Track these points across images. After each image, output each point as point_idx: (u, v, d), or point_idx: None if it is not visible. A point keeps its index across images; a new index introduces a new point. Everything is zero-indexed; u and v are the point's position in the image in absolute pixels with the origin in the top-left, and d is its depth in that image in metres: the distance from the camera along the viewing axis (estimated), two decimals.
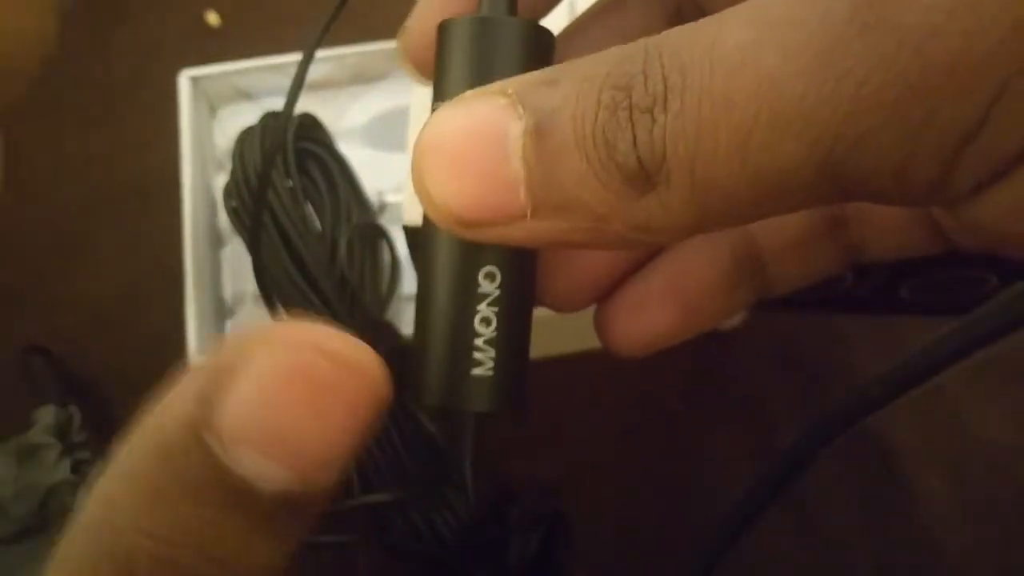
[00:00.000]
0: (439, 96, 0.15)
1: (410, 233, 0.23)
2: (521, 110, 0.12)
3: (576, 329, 0.36)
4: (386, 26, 0.39)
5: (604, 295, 0.18)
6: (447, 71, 0.14)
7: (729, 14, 0.11)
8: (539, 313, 0.33)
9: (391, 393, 0.11)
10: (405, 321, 0.32)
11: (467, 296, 0.14)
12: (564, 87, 0.12)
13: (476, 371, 0.14)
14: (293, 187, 0.29)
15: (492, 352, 0.14)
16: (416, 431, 0.27)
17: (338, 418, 0.11)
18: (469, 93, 0.12)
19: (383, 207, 0.36)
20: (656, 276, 0.17)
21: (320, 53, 0.38)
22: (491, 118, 0.12)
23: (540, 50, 0.15)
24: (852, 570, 0.34)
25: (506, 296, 0.14)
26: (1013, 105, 0.10)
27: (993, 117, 0.10)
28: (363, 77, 0.39)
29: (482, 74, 0.14)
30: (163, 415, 0.11)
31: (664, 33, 0.11)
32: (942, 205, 0.12)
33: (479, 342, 0.14)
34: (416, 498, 0.26)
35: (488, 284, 0.14)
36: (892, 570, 0.34)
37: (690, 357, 0.37)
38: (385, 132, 0.39)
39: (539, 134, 0.12)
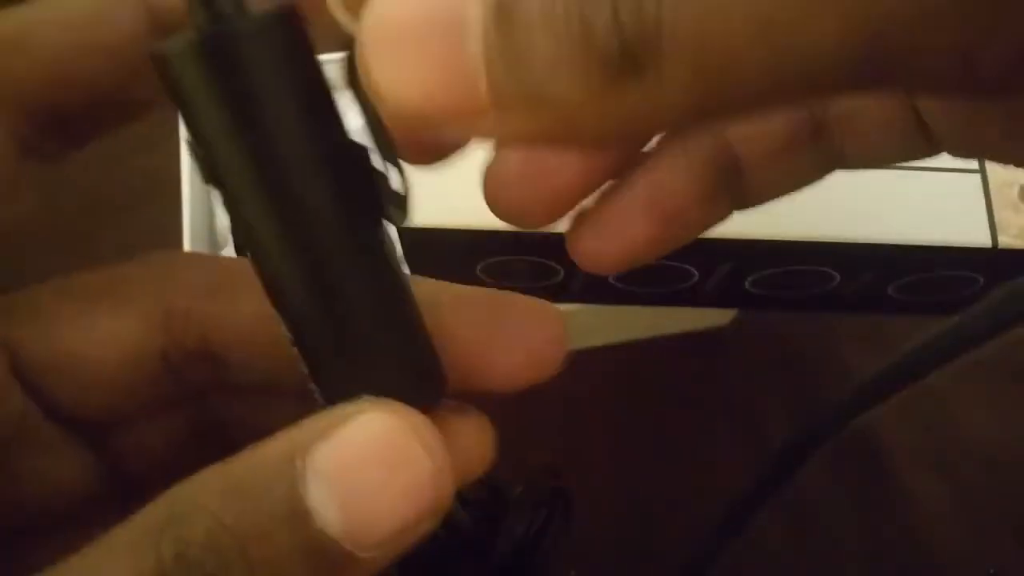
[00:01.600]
0: (198, 141, 0.11)
1: (405, 233, 0.23)
2: None
3: (570, 329, 0.36)
4: None
5: (573, 207, 0.16)
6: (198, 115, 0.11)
7: None
8: None
9: (452, 499, 0.12)
10: None
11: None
12: None
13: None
14: None
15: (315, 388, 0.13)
16: None
17: (407, 496, 0.11)
18: None
19: None
20: (631, 187, 0.16)
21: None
22: None
23: (300, 43, 0.12)
24: (843, 568, 0.35)
25: (295, 325, 0.12)
26: None
27: None
28: None
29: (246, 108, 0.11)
30: (252, 452, 0.11)
31: None
32: (1012, 97, 0.10)
33: (311, 384, 0.13)
34: None
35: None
36: (883, 568, 0.34)
37: (683, 356, 0.38)
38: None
39: (502, 13, 0.10)
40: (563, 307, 0.32)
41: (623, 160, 0.16)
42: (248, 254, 0.12)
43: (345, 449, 0.11)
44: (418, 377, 0.13)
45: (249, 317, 0.15)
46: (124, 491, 0.16)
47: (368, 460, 0.11)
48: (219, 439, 0.17)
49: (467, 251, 0.24)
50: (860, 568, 0.34)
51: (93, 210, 0.41)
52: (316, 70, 0.12)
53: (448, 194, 0.23)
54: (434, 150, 0.15)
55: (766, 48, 0.09)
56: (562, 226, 0.23)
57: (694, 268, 0.24)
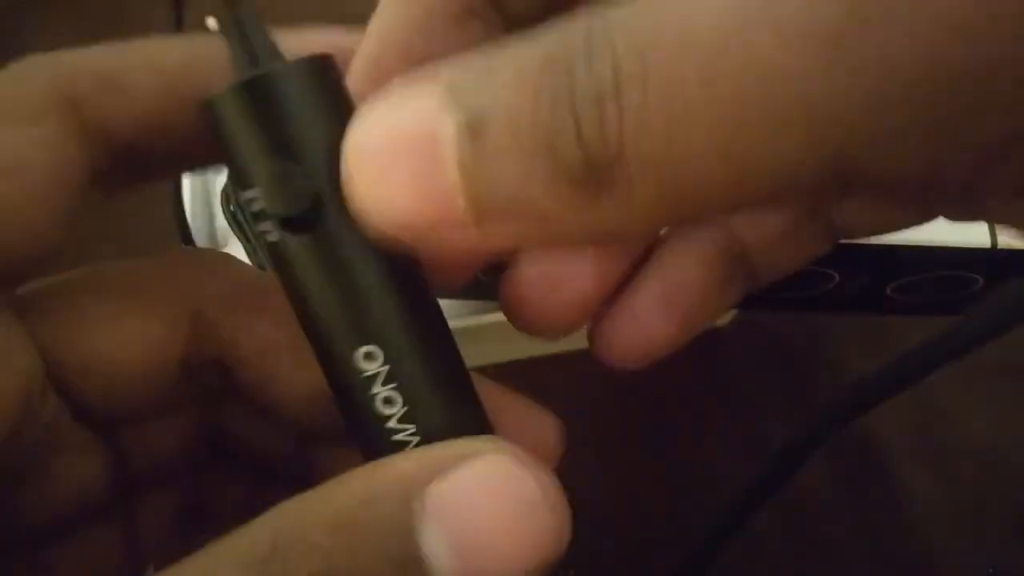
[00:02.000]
0: (241, 183, 0.12)
1: None
2: (453, 105, 0.10)
3: None
4: None
5: (592, 312, 0.17)
6: (241, 151, 0.12)
7: None
8: None
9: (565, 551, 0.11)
10: None
11: (356, 387, 0.13)
12: (496, 79, 0.10)
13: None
14: None
15: (412, 427, 0.13)
16: None
17: (529, 548, 0.11)
18: (397, 83, 0.11)
19: None
20: (646, 286, 0.16)
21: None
22: (421, 115, 0.10)
23: (334, 88, 0.13)
24: (842, 568, 0.35)
25: (399, 364, 0.13)
26: None
27: None
28: None
29: (284, 144, 0.12)
30: (365, 482, 0.11)
31: (607, 10, 0.10)
32: (971, 208, 0.11)
33: (392, 424, 0.13)
34: None
35: (371, 364, 0.12)
36: (882, 568, 0.34)
37: (680, 356, 0.38)
38: None
39: (473, 133, 0.10)
40: None
41: (636, 257, 0.17)
42: (293, 305, 0.13)
43: (464, 493, 0.11)
44: (476, 426, 0.13)
45: (266, 339, 0.15)
46: (126, 488, 0.16)
47: (489, 508, 0.11)
48: (223, 442, 0.17)
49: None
50: (859, 568, 0.34)
51: (93, 210, 0.41)
52: (350, 109, 0.12)
53: None
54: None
55: (728, 168, 0.09)
56: None
57: None
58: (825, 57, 0.09)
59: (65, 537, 0.15)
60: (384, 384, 0.12)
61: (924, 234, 0.22)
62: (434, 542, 0.10)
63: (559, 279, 0.16)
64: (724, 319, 0.38)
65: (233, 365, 0.15)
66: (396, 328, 0.13)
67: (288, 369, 0.15)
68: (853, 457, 0.36)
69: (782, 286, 0.25)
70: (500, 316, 0.36)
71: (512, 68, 0.10)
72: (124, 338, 0.14)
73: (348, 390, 0.13)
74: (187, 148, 0.14)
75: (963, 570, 0.34)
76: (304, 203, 0.12)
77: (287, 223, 0.12)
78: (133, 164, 0.14)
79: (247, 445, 0.17)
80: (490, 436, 0.12)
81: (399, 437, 0.13)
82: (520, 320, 0.16)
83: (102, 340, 0.14)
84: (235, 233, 0.30)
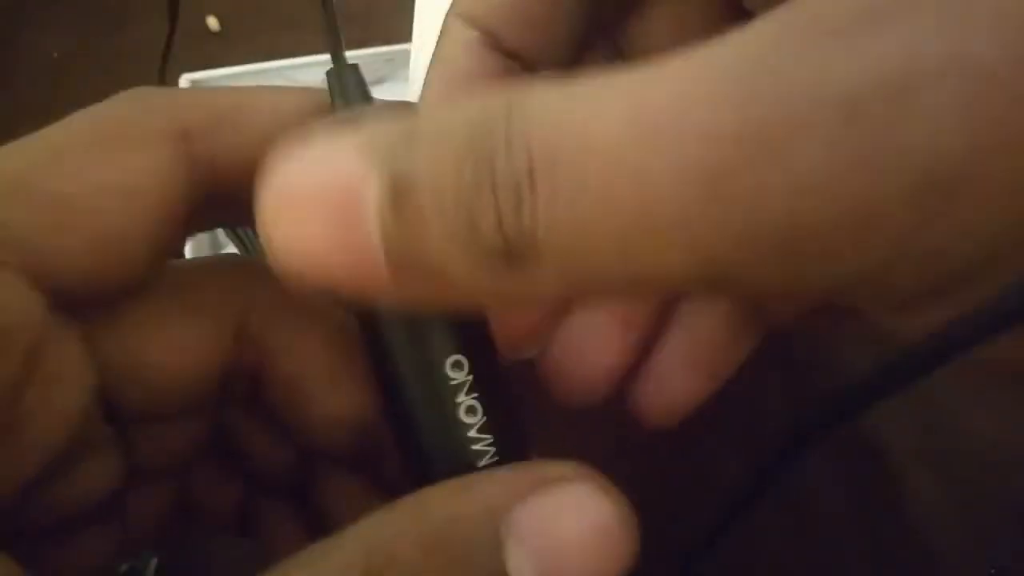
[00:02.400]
0: None
1: None
2: (379, 165, 0.10)
3: None
4: (383, 32, 0.40)
5: (624, 373, 0.17)
6: None
7: (605, 94, 0.10)
8: None
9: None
10: None
11: (443, 394, 0.13)
12: (421, 146, 0.10)
13: (482, 462, 0.13)
14: None
15: (490, 438, 0.13)
16: None
17: (602, 567, 0.11)
18: (319, 132, 0.11)
19: None
20: (672, 349, 0.17)
21: (322, 57, 0.38)
22: (343, 172, 0.10)
23: None
24: (843, 568, 0.35)
25: (481, 374, 0.13)
26: (908, 266, 0.10)
27: (897, 267, 0.10)
28: None
29: None
30: (452, 502, 0.12)
31: (527, 97, 0.10)
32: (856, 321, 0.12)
33: (472, 433, 0.13)
34: None
35: (458, 373, 0.13)
36: (883, 568, 0.34)
37: None
38: None
39: (397, 196, 0.10)
40: None
41: (659, 319, 0.17)
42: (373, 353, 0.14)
43: (550, 518, 0.11)
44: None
45: (308, 359, 0.15)
46: (129, 484, 0.16)
47: (572, 531, 0.11)
48: (224, 443, 0.17)
49: None
50: (860, 568, 0.34)
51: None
52: None
53: None
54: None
55: (624, 266, 0.10)
56: None
57: None
58: (704, 187, 0.09)
59: (67, 532, 0.15)
60: (468, 393, 0.13)
61: None
62: (520, 562, 0.11)
63: (587, 351, 0.17)
64: None
65: (268, 379, 0.15)
66: (482, 341, 0.14)
67: (323, 392, 0.15)
68: (855, 457, 0.36)
69: None
70: None
71: (435, 137, 0.10)
72: (172, 344, 0.14)
73: (429, 400, 0.13)
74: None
75: (965, 571, 0.34)
76: None
77: None
78: (232, 206, 0.14)
79: (249, 449, 0.17)
80: (570, 462, 0.12)
81: (478, 447, 0.13)
82: (559, 392, 0.17)
83: (151, 345, 0.14)
84: (229, 238, 0.30)
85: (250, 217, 0.15)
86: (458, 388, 0.13)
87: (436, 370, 0.13)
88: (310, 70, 0.38)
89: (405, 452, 0.14)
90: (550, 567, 0.11)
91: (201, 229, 0.16)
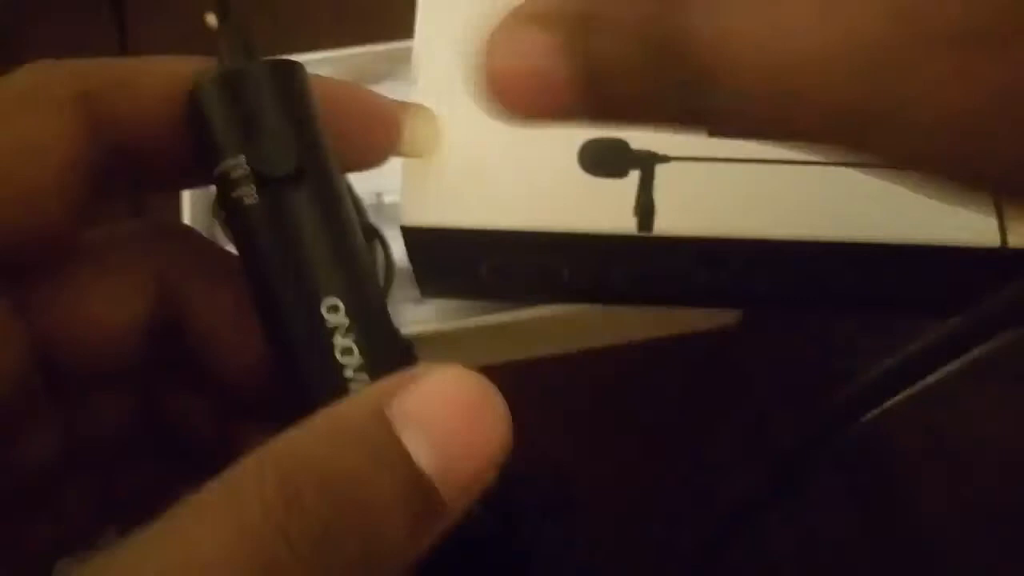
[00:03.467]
0: (224, 154, 0.14)
1: (408, 233, 0.23)
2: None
3: (571, 329, 0.36)
4: (386, 28, 0.40)
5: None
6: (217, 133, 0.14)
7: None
8: (538, 313, 0.33)
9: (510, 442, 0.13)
10: (400, 323, 0.32)
11: (320, 336, 0.14)
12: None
13: None
14: None
15: (367, 377, 0.14)
16: None
17: (487, 440, 0.12)
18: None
19: (380, 207, 0.36)
20: None
21: (323, 55, 0.38)
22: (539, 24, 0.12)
23: (297, 89, 0.15)
24: (845, 569, 0.34)
25: (357, 318, 0.14)
26: None
27: None
28: (364, 78, 0.39)
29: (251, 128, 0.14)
30: (340, 408, 0.12)
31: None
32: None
33: (349, 373, 0.14)
34: None
35: (334, 316, 0.14)
36: (886, 569, 0.34)
37: (685, 356, 0.38)
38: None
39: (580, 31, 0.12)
40: (565, 308, 0.32)
41: None
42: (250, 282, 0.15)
43: (432, 397, 0.12)
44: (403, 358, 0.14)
45: (220, 304, 0.16)
46: (64, 468, 0.16)
47: (454, 406, 0.12)
48: (160, 426, 0.17)
49: (470, 251, 0.24)
50: (862, 568, 0.34)
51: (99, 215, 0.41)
52: (311, 106, 0.15)
53: (451, 194, 0.22)
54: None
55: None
56: (563, 225, 0.23)
57: (702, 267, 0.24)
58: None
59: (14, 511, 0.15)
60: (344, 335, 0.14)
61: (935, 233, 0.22)
62: (414, 441, 0.12)
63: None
64: (728, 319, 0.38)
65: (187, 328, 0.16)
66: (359, 284, 0.14)
67: (236, 335, 0.16)
68: (858, 458, 0.36)
69: (795, 284, 0.25)
70: (500, 316, 0.36)
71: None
72: (100, 300, 0.15)
73: (307, 342, 0.14)
74: (187, 158, 0.15)
75: (965, 570, 0.34)
76: (288, 166, 0.14)
77: (270, 182, 0.14)
78: (138, 167, 0.15)
79: (174, 422, 0.17)
80: (428, 365, 0.13)
81: (355, 387, 0.14)
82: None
83: (81, 302, 0.15)
84: (226, 235, 0.30)
85: (156, 178, 0.16)
86: (334, 330, 0.14)
87: (312, 314, 0.14)
88: (311, 67, 0.38)
89: (287, 393, 0.14)
90: (439, 437, 0.12)
91: (117, 192, 0.16)
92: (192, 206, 0.35)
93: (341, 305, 0.14)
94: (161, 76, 0.15)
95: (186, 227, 0.18)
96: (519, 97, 0.12)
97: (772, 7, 0.11)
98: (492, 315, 0.33)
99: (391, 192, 0.37)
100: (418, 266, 0.25)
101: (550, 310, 0.33)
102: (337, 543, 0.11)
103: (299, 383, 0.14)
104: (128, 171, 0.15)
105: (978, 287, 0.24)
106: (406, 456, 0.11)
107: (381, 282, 0.32)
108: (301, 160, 0.14)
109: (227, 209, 0.14)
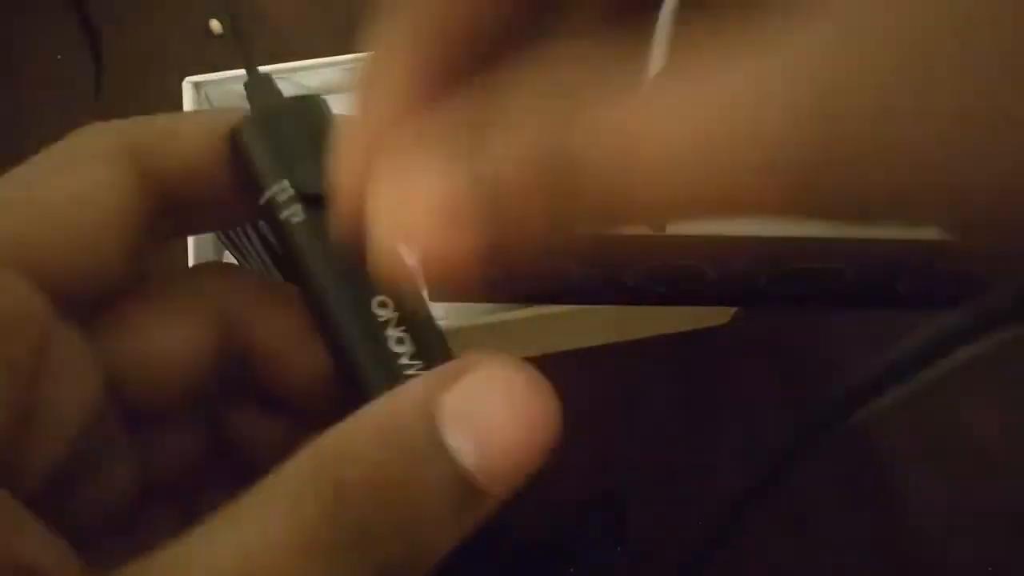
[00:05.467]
0: (268, 183, 0.16)
1: None
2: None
3: (570, 329, 0.36)
4: None
5: None
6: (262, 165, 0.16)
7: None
8: (538, 312, 0.33)
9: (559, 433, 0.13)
10: None
11: (374, 330, 0.15)
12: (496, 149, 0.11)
13: None
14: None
15: (420, 363, 0.15)
16: None
17: (531, 433, 0.12)
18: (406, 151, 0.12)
19: None
20: None
21: (321, 61, 0.38)
22: (438, 179, 0.11)
23: (320, 118, 0.16)
24: (842, 568, 0.35)
25: (405, 312, 0.16)
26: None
27: None
28: None
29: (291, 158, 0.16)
30: (388, 403, 0.13)
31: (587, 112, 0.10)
32: None
33: (404, 360, 0.15)
34: None
35: (384, 311, 0.15)
36: (882, 568, 0.34)
37: (683, 355, 0.38)
38: None
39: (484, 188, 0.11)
40: (564, 308, 0.33)
41: None
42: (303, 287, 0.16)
43: (479, 391, 0.12)
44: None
45: (282, 327, 0.17)
46: (148, 501, 0.17)
47: (500, 400, 0.12)
48: (231, 452, 0.18)
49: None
50: (859, 568, 0.35)
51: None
52: (332, 130, 0.16)
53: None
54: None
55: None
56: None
57: (704, 267, 0.25)
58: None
59: (80, 545, 0.16)
60: (396, 327, 0.15)
61: (931, 232, 0.22)
62: (456, 437, 0.12)
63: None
64: (725, 318, 0.38)
65: (253, 355, 0.17)
66: (402, 281, 0.15)
67: (300, 356, 0.17)
68: (853, 457, 0.36)
69: (796, 282, 0.25)
70: (503, 315, 0.36)
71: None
72: (168, 336, 0.16)
73: (363, 337, 0.15)
74: (227, 199, 0.16)
75: (963, 570, 0.34)
76: (324, 183, 0.15)
77: (311, 201, 0.15)
78: (183, 213, 0.16)
79: (245, 448, 0.18)
80: (479, 354, 0.13)
81: (411, 372, 0.15)
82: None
83: (151, 338, 0.16)
84: (229, 251, 0.31)
85: (202, 220, 0.18)
86: (386, 324, 0.15)
87: (364, 310, 0.15)
88: (313, 73, 0.38)
89: (350, 392, 0.16)
90: (482, 435, 0.12)
91: (168, 238, 0.17)
92: (196, 248, 0.35)
93: (389, 301, 0.15)
94: (198, 125, 0.16)
95: (236, 266, 0.19)
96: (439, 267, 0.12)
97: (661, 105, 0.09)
98: (492, 314, 0.33)
99: None
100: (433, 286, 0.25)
101: (550, 309, 0.33)
102: (381, 536, 0.12)
103: (359, 378, 0.15)
104: (177, 215, 0.16)
105: (977, 287, 0.24)
106: (448, 454, 0.12)
107: None
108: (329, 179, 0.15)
109: (276, 232, 0.16)
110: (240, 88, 0.18)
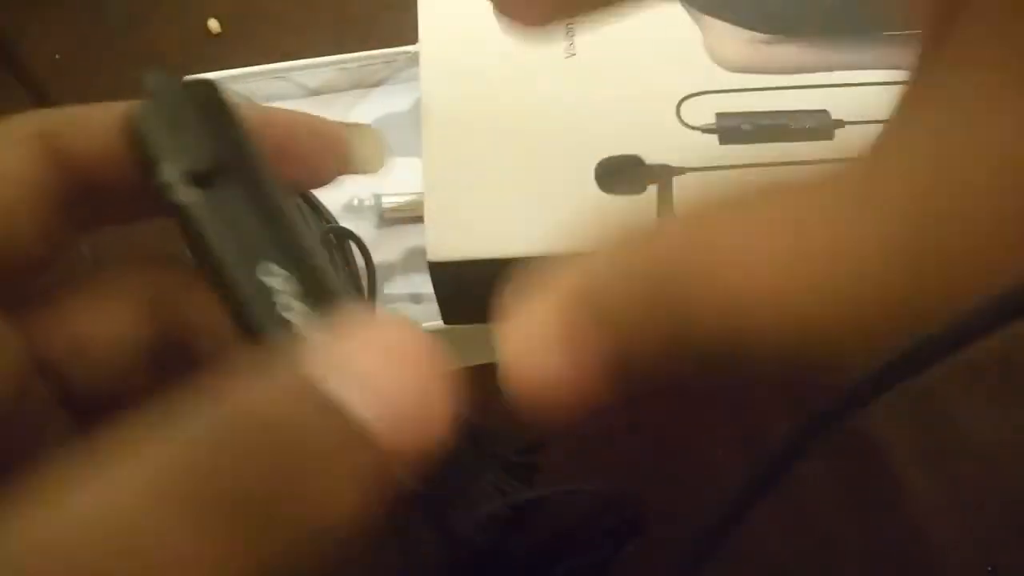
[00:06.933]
0: (159, 159, 0.16)
1: (435, 268, 0.23)
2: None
3: None
4: (385, 35, 0.40)
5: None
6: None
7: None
8: None
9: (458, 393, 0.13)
10: None
11: (262, 295, 0.16)
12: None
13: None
14: None
15: (312, 326, 0.16)
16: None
17: (423, 391, 0.12)
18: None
19: (360, 207, 0.37)
20: None
21: (319, 60, 0.38)
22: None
23: (212, 101, 0.17)
24: (842, 567, 0.35)
25: (293, 277, 0.16)
26: None
27: None
28: (363, 82, 0.39)
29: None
30: (275, 360, 0.12)
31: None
32: None
33: (295, 320, 0.16)
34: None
35: (270, 278, 0.16)
36: (881, 567, 0.34)
37: None
38: (385, 135, 0.39)
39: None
40: None
41: None
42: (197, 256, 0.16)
43: (365, 346, 0.12)
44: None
45: (214, 311, 0.17)
46: None
47: (386, 357, 0.12)
48: None
49: (496, 280, 0.25)
50: (858, 567, 0.35)
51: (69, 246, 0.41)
52: (227, 114, 0.17)
53: (474, 226, 0.22)
54: None
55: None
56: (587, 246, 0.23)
57: None
58: None
59: None
60: (284, 294, 0.16)
61: None
62: (346, 390, 0.12)
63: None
64: None
65: (189, 338, 0.17)
66: (291, 250, 0.16)
67: (236, 341, 0.17)
68: (853, 456, 0.36)
69: None
70: None
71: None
72: (100, 318, 0.17)
73: (253, 303, 0.16)
74: (140, 190, 0.16)
75: (962, 569, 0.34)
76: (211, 162, 0.16)
77: (200, 181, 0.16)
78: (99, 198, 0.17)
79: None
80: (369, 315, 0.14)
81: (301, 329, 0.16)
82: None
83: (81, 323, 0.17)
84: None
85: (120, 208, 0.18)
86: (273, 289, 0.16)
87: (250, 275, 0.16)
88: (311, 72, 0.38)
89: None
90: (370, 382, 0.12)
91: (87, 226, 0.17)
92: None
93: (275, 268, 0.16)
94: (109, 111, 0.17)
95: (172, 255, 0.19)
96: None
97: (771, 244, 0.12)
98: None
99: (392, 195, 0.37)
100: (443, 298, 0.25)
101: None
102: (265, 495, 0.11)
103: (256, 344, 0.16)
104: (93, 201, 0.17)
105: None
106: (337, 404, 0.12)
107: (364, 281, 0.33)
108: (223, 157, 0.16)
109: (170, 214, 0.16)
110: (239, 88, 0.18)
